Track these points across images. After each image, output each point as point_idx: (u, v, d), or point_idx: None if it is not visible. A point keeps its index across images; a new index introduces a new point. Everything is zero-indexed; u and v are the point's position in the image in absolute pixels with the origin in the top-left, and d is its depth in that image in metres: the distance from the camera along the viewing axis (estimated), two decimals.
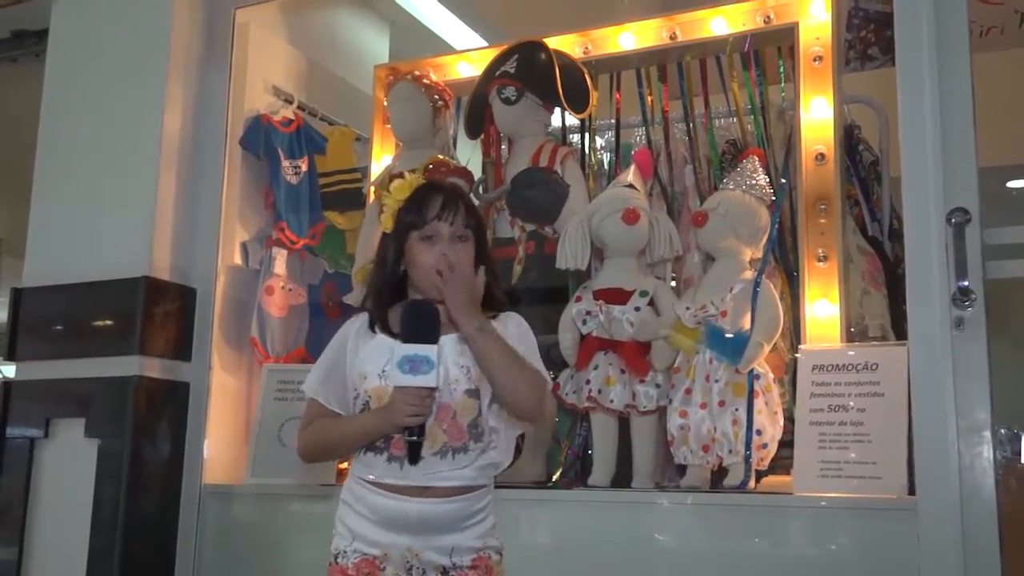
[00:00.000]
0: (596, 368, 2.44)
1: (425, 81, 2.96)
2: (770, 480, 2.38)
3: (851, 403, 2.19)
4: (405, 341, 1.63)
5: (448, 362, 1.69)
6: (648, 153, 2.74)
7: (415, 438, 1.64)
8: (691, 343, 2.37)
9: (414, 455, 1.65)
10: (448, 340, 1.70)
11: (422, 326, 1.64)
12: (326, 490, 2.63)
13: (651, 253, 2.54)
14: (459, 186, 1.92)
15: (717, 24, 2.73)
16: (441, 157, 2.87)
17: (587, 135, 2.99)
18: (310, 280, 3.24)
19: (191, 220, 2.94)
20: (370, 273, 1.87)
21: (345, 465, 2.68)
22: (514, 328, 1.78)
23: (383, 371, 1.68)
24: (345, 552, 1.70)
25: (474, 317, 1.67)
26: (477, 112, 2.89)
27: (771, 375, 2.36)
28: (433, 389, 1.62)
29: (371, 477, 1.71)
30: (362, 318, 1.79)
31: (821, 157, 2.46)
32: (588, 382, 2.44)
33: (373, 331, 1.74)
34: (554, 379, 2.54)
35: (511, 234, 2.73)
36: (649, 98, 2.91)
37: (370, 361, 1.71)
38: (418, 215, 1.73)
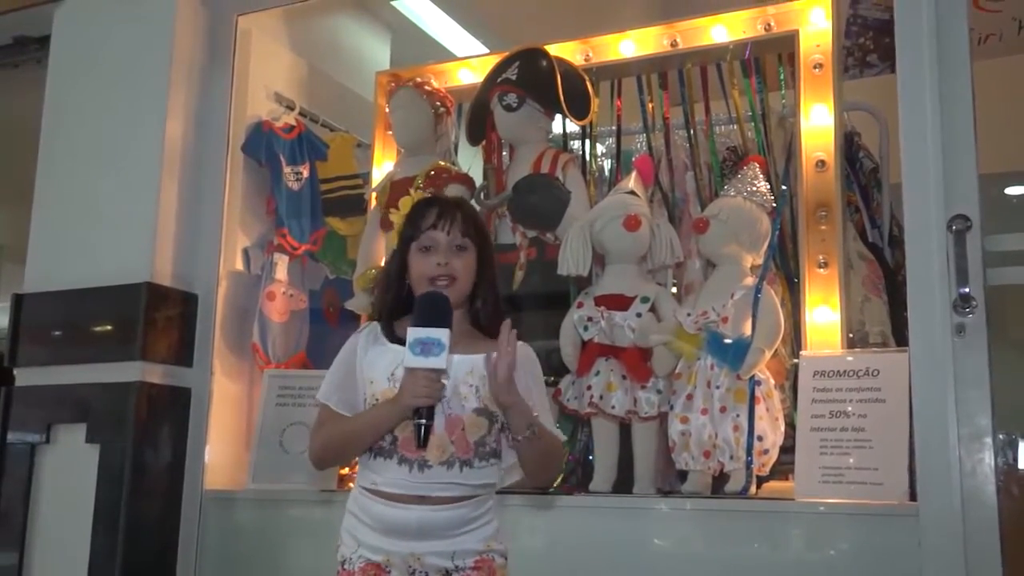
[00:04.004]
0: (597, 374, 2.44)
1: (426, 88, 2.96)
2: (771, 486, 2.38)
3: (852, 409, 2.20)
4: (418, 326, 1.64)
5: (457, 380, 1.71)
6: (649, 159, 2.75)
7: (424, 421, 1.64)
8: (692, 349, 2.37)
9: (424, 439, 1.65)
10: (458, 360, 1.71)
11: (435, 313, 1.66)
12: (327, 496, 2.63)
13: (652, 259, 2.54)
14: (461, 198, 1.95)
15: (718, 31, 2.74)
16: (442, 163, 2.89)
17: (588, 142, 2.99)
18: (311, 286, 3.24)
19: (193, 226, 2.94)
20: (376, 286, 1.88)
21: (347, 471, 2.69)
22: (528, 365, 1.79)
23: (392, 374, 1.70)
24: (351, 559, 1.73)
25: (524, 419, 1.68)
26: (478, 118, 2.89)
27: (772, 381, 2.36)
28: (443, 371, 1.64)
29: (373, 484, 1.72)
30: (372, 326, 1.82)
31: (821, 164, 2.47)
32: (589, 388, 2.44)
33: (383, 340, 1.77)
34: (555, 384, 2.54)
35: (513, 240, 2.74)
36: (650, 105, 2.92)
37: (379, 366, 1.74)
38: (415, 226, 1.78)
